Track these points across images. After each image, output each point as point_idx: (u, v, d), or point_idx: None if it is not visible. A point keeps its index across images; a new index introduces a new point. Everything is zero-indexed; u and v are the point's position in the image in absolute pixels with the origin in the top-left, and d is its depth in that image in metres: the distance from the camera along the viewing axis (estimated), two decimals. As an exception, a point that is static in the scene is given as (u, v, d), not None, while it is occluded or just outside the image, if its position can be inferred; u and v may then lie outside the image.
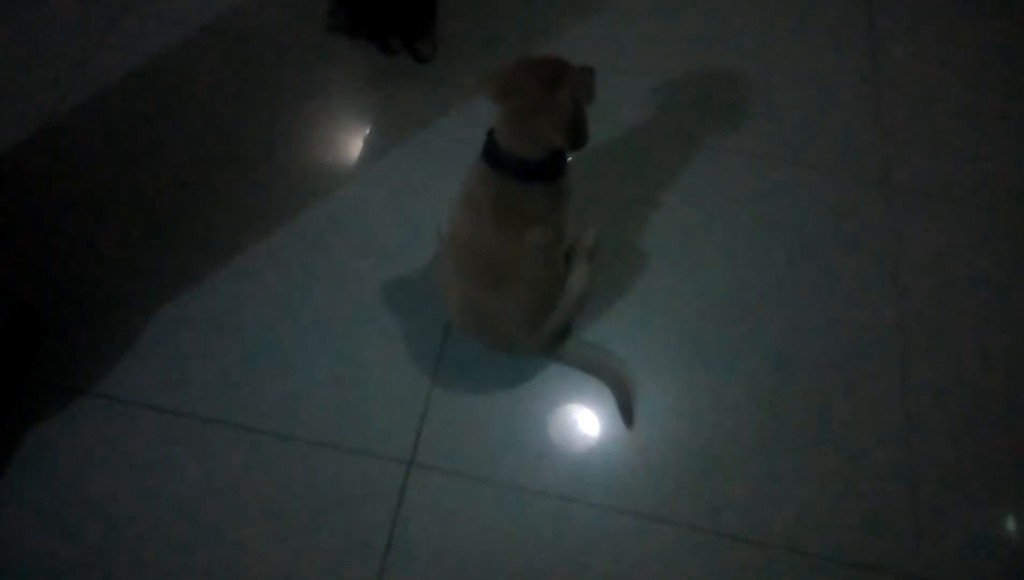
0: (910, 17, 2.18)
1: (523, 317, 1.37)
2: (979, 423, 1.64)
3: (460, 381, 1.54)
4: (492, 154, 1.20)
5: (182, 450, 1.42)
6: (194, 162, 1.65)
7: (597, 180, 1.75)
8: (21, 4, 1.79)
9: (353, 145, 1.74)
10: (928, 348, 1.70)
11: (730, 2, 2.13)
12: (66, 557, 1.32)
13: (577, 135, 1.19)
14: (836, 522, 1.51)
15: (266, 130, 1.71)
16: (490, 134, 1.22)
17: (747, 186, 1.84)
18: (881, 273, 1.77)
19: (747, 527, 1.48)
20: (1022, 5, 2.25)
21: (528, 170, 1.19)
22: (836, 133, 1.95)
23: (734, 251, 1.75)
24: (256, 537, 1.37)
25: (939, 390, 1.66)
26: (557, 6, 2.00)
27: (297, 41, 1.78)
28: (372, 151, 1.74)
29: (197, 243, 1.59)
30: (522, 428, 1.52)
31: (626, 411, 1.53)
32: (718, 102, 1.96)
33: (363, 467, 1.44)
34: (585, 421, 1.55)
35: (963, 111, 2.04)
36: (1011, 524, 1.55)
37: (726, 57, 2.03)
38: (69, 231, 1.56)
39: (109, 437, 1.41)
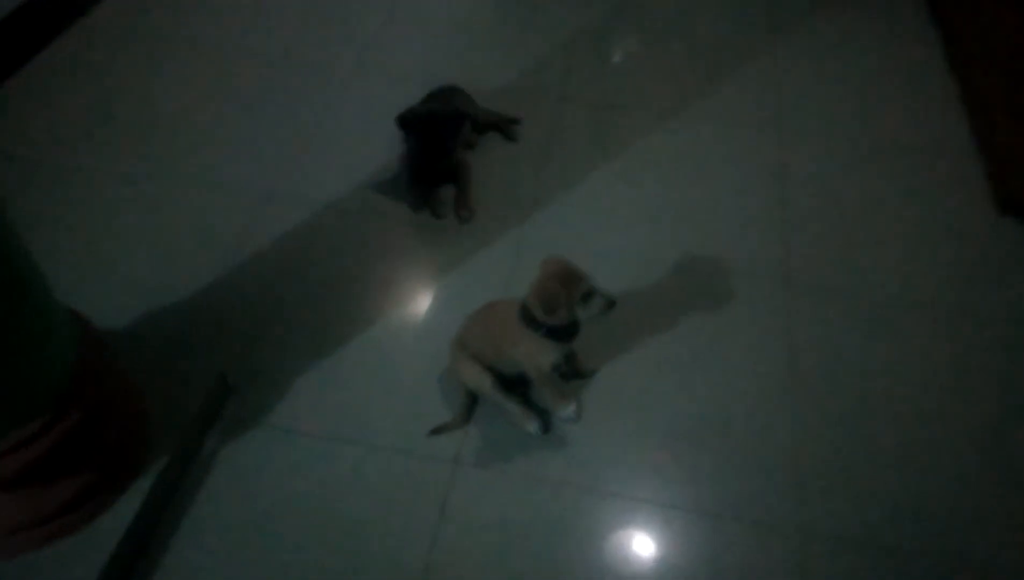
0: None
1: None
2: (859, 374, 1.88)
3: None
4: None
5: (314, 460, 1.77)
6: (319, 287, 2.21)
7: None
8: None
9: (417, 280, 2.23)
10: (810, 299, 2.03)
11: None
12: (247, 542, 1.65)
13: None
14: (724, 479, 1.71)
15: (363, 267, 2.27)
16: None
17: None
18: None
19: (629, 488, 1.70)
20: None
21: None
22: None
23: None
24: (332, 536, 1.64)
25: (822, 345, 1.93)
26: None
27: (383, 211, 2.44)
28: (430, 281, 2.21)
29: (318, 337, 2.07)
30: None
31: (442, 428, 1.81)
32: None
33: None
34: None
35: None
36: (887, 476, 1.70)
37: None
38: (246, 329, 2.13)
39: (269, 458, 1.80)
